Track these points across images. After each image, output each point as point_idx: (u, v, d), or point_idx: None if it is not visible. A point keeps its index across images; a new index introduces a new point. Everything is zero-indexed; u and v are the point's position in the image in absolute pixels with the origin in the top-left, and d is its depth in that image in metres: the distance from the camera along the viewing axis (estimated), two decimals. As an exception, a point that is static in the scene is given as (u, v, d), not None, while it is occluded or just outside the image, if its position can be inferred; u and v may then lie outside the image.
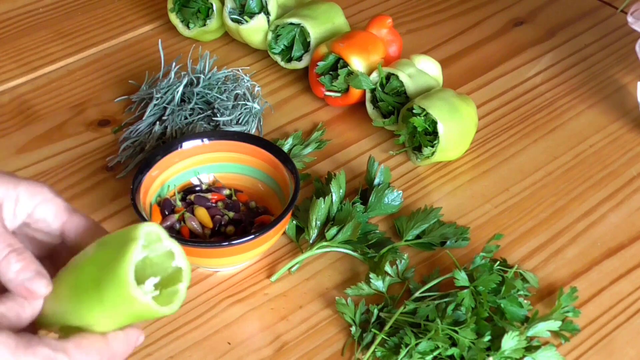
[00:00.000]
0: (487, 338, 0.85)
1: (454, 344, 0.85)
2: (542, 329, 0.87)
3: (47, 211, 0.71)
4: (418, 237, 0.97)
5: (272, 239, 0.93)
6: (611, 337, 0.90)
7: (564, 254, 0.98)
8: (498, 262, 0.92)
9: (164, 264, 0.66)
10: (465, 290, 0.89)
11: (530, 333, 0.86)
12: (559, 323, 0.87)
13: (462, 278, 0.89)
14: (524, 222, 1.01)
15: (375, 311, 0.89)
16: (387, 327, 0.87)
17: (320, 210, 0.97)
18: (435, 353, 0.85)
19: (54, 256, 0.73)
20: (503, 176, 1.07)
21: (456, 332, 0.85)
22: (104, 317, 0.65)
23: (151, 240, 0.65)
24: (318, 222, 0.97)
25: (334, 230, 0.95)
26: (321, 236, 0.97)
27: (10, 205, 0.69)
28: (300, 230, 0.98)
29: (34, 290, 0.65)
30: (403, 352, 0.84)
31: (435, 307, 0.88)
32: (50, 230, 0.71)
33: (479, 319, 0.87)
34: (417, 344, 0.84)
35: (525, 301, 0.89)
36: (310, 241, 0.97)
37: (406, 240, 0.97)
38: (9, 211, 0.69)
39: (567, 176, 1.07)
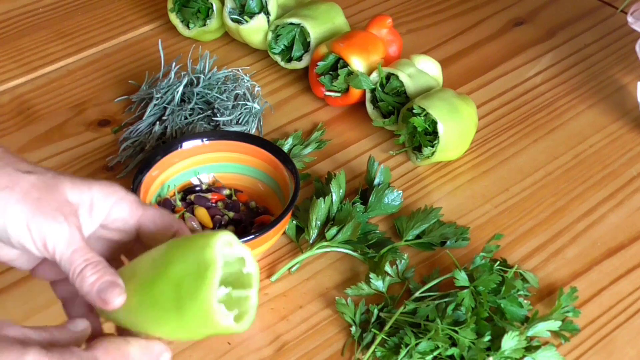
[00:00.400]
0: (487, 338, 0.85)
1: (454, 344, 0.85)
2: (542, 329, 0.87)
3: (123, 210, 0.71)
4: (418, 237, 0.97)
5: (272, 239, 0.93)
6: (611, 337, 0.90)
7: (564, 254, 0.98)
8: (498, 262, 0.92)
9: (230, 267, 0.66)
10: (465, 290, 0.89)
11: (530, 333, 0.86)
12: (559, 323, 0.87)
13: (462, 278, 0.89)
14: (524, 222, 1.01)
15: (375, 311, 0.89)
16: (387, 327, 0.87)
17: (320, 210, 0.97)
18: (435, 353, 0.85)
19: (129, 253, 0.74)
20: (503, 176, 1.07)
21: (456, 332, 0.85)
22: (174, 333, 0.66)
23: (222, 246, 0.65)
24: (318, 222, 0.97)
25: (334, 230, 0.95)
26: (321, 236, 0.97)
27: (86, 209, 0.70)
28: (300, 230, 0.98)
29: (109, 300, 0.66)
30: (403, 352, 0.84)
31: (435, 307, 0.88)
32: (127, 228, 0.72)
33: (479, 319, 0.87)
34: (417, 344, 0.84)
35: (525, 301, 0.89)
36: (310, 241, 0.97)
37: (406, 240, 0.97)
38: (85, 216, 0.70)
39: (567, 176, 1.07)
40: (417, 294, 0.90)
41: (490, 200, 1.04)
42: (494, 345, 0.85)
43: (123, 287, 0.67)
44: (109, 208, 0.71)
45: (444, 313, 0.87)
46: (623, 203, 1.03)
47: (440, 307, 0.88)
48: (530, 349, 0.85)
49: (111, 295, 0.66)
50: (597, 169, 1.07)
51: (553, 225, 1.01)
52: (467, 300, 0.88)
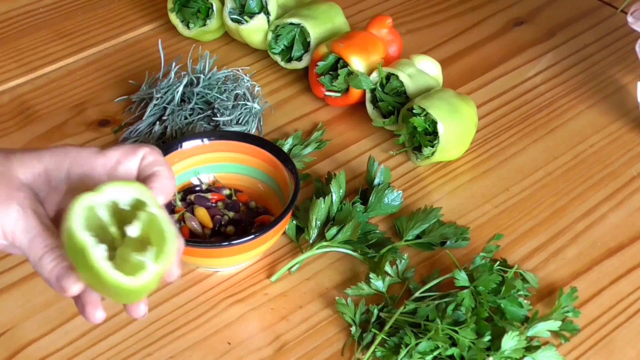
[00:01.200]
0: (487, 338, 0.85)
1: (454, 344, 0.85)
2: (542, 329, 0.87)
3: (82, 167, 0.70)
4: (418, 237, 0.97)
5: (272, 239, 0.93)
6: (611, 337, 0.90)
7: (564, 254, 0.98)
8: (498, 262, 0.92)
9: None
10: (465, 290, 0.89)
11: (530, 333, 0.86)
12: (559, 323, 0.87)
13: (462, 278, 0.89)
14: (524, 222, 1.01)
15: (375, 311, 0.89)
16: (387, 327, 0.87)
17: (320, 210, 0.97)
18: (435, 353, 0.85)
19: None
20: (503, 176, 1.07)
21: (456, 332, 0.85)
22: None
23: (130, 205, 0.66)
24: (318, 222, 0.97)
25: (334, 230, 0.95)
26: (321, 236, 0.97)
27: (43, 182, 0.69)
28: (300, 230, 0.98)
29: (65, 288, 0.66)
30: (403, 352, 0.84)
31: (435, 307, 0.88)
32: (97, 180, 0.71)
33: (479, 319, 0.87)
34: (417, 344, 0.84)
35: (525, 301, 0.89)
36: (310, 241, 0.97)
37: (406, 240, 0.97)
38: (45, 189, 0.69)
39: (567, 176, 1.07)
40: (417, 294, 0.90)
41: (490, 200, 1.04)
42: (494, 345, 0.85)
43: (78, 275, 0.67)
44: (66, 171, 0.70)
45: (444, 313, 0.87)
46: (623, 203, 1.03)
47: (440, 307, 0.88)
48: (530, 349, 0.85)
49: (67, 283, 0.66)
50: (597, 169, 1.07)
51: (553, 225, 1.01)
52: (467, 300, 0.88)
